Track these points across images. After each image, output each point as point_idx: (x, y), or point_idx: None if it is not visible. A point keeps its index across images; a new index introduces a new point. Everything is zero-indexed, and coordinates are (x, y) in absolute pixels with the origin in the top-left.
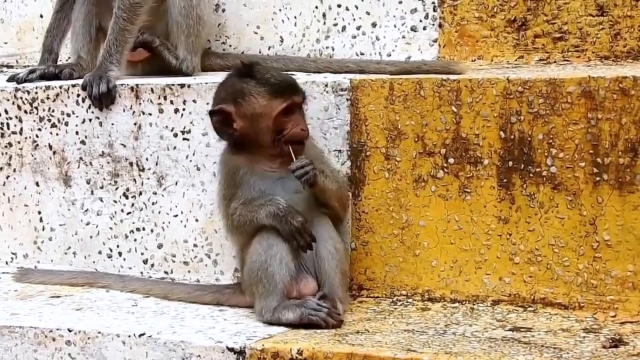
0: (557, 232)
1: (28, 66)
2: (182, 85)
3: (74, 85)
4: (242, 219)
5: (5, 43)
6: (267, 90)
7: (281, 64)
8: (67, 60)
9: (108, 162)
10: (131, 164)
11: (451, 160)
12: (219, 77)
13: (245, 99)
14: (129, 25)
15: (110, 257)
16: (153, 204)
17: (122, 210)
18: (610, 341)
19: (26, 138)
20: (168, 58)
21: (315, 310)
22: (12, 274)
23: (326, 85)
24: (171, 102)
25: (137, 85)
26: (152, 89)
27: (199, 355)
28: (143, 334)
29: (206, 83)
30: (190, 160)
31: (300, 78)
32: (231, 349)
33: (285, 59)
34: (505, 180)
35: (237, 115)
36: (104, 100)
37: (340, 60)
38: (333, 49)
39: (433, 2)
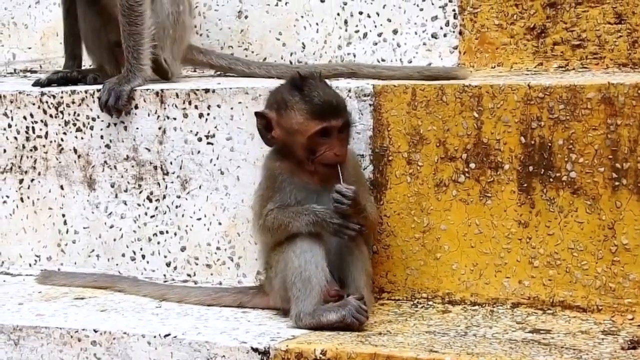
0: (576, 236)
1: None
2: (206, 90)
3: (99, 90)
4: (277, 222)
5: (29, 48)
6: (307, 108)
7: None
8: (90, 66)
9: (132, 166)
10: (155, 167)
11: (472, 165)
12: (243, 82)
13: (286, 111)
14: (135, 27)
15: (133, 259)
16: (177, 207)
17: (146, 214)
18: (629, 343)
19: (51, 142)
20: (161, 61)
21: (357, 311)
22: (35, 277)
23: (349, 91)
24: (196, 107)
25: (162, 90)
26: (177, 94)
27: (224, 356)
28: (168, 335)
29: (230, 88)
30: (214, 165)
31: None
32: (255, 350)
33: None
34: (525, 185)
35: (277, 124)
36: (112, 111)
37: (332, 65)
38: (355, 56)
39: (454, 10)
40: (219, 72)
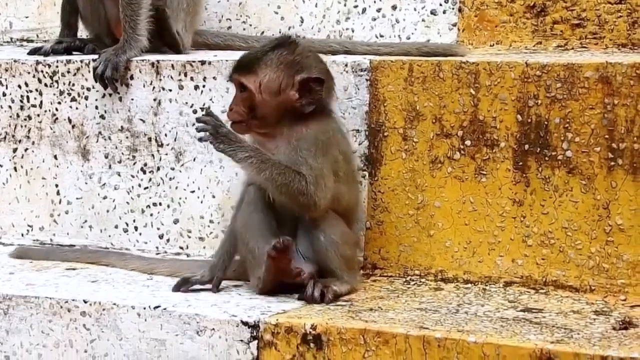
0: (571, 216)
1: (48, 40)
2: (202, 62)
3: (94, 60)
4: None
5: (27, 17)
6: None
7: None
8: (86, 36)
9: (127, 137)
10: (150, 139)
11: (468, 142)
12: (240, 55)
13: None
14: None
15: (126, 231)
16: (170, 179)
17: (140, 185)
18: (621, 323)
19: (46, 111)
20: (173, 32)
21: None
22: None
23: (346, 65)
24: (191, 78)
25: (157, 61)
26: (172, 65)
27: (214, 329)
28: (158, 307)
29: (226, 60)
30: None
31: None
32: (245, 323)
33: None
34: (520, 163)
35: None
36: (108, 82)
37: (325, 40)
38: (353, 31)
39: None
40: None
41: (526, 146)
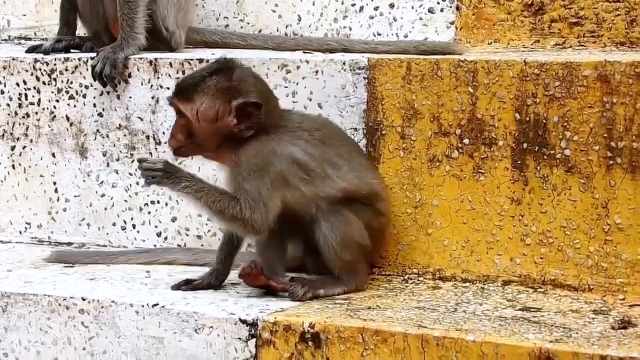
0: (569, 215)
1: (45, 39)
2: (200, 61)
3: (92, 58)
4: None
5: (24, 15)
6: None
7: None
8: (84, 34)
9: (125, 135)
10: (148, 137)
11: (466, 141)
12: (237, 53)
13: None
14: None
15: (124, 229)
16: None
17: (137, 183)
18: (619, 323)
19: (44, 109)
20: (160, 28)
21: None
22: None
23: (344, 64)
24: None
25: (155, 59)
26: (170, 63)
27: (212, 327)
28: (156, 304)
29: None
30: None
31: (318, 55)
32: (244, 321)
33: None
34: (519, 162)
35: None
36: (107, 80)
37: (322, 39)
38: (350, 29)
39: None
40: None
41: (524, 145)
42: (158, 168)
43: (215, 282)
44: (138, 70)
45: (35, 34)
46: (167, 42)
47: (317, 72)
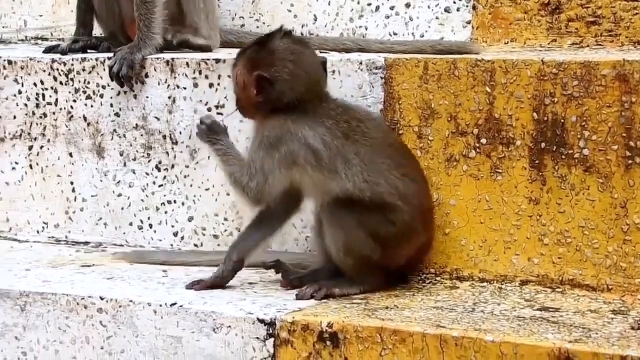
0: (588, 214)
1: (62, 39)
2: (217, 60)
3: (109, 58)
4: None
5: (41, 16)
6: None
7: None
8: (100, 34)
9: (141, 135)
10: (164, 137)
11: (483, 141)
12: None
13: None
14: None
15: (140, 228)
16: (185, 177)
17: (154, 183)
18: (639, 323)
19: (61, 109)
20: (197, 44)
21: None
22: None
23: (360, 63)
24: (206, 76)
25: (172, 59)
26: (187, 63)
27: (230, 326)
28: (174, 304)
29: None
30: None
31: (334, 55)
32: (262, 321)
33: None
34: (537, 162)
35: None
36: (124, 81)
37: (338, 38)
38: (366, 29)
39: None
40: None
41: (542, 144)
42: (206, 124)
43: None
44: (155, 70)
45: (51, 34)
46: (205, 50)
47: (334, 71)
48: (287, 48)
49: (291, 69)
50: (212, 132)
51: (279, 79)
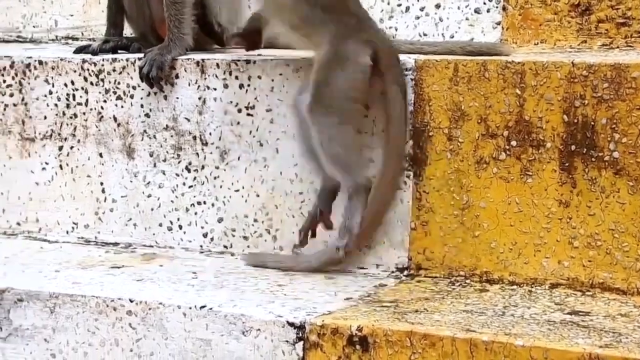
0: (618, 217)
1: (93, 39)
2: (247, 61)
3: (140, 59)
4: None
5: (72, 15)
6: None
7: None
8: (131, 34)
9: (172, 136)
10: (194, 138)
11: (513, 143)
12: (284, 53)
13: None
14: None
15: (170, 229)
16: (215, 178)
17: (184, 184)
18: None
19: (91, 109)
20: (212, 22)
21: None
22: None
23: None
24: (236, 77)
25: (202, 60)
26: (217, 64)
27: (259, 329)
28: (204, 306)
29: (271, 60)
30: (254, 136)
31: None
32: (291, 324)
33: None
34: (567, 164)
35: None
36: (154, 82)
37: None
38: (396, 29)
39: None
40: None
41: (572, 147)
42: None
43: None
44: (185, 71)
45: (82, 34)
46: (219, 37)
47: None
48: None
49: None
50: None
51: None
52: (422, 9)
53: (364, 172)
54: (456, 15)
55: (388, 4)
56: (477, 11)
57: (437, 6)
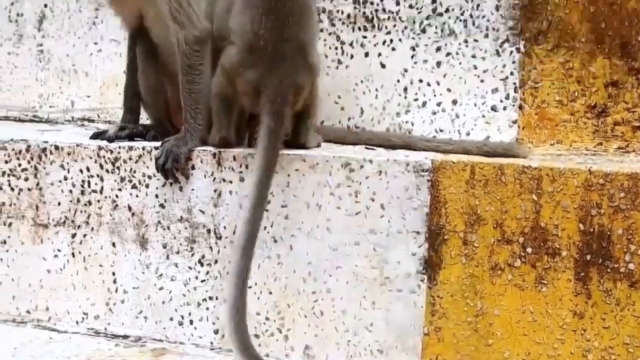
0: (633, 331)
1: (109, 122)
2: None
3: (156, 148)
4: None
5: (88, 97)
6: None
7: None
8: (147, 120)
9: (186, 228)
10: (209, 230)
11: (529, 250)
12: (300, 149)
13: None
14: (195, 86)
15: (181, 324)
16: (228, 273)
17: (197, 278)
18: None
19: (106, 197)
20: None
21: None
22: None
23: (407, 165)
24: (252, 171)
25: (219, 152)
26: (234, 157)
27: None
28: None
29: (287, 155)
30: (268, 232)
31: (381, 155)
32: None
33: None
34: (582, 274)
35: None
36: (169, 174)
37: (385, 133)
38: (412, 124)
39: (514, 83)
40: None
41: (588, 256)
42: None
43: None
44: (201, 162)
45: (98, 116)
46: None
47: (380, 172)
48: None
49: None
50: None
51: None
52: (438, 104)
53: None
54: (473, 112)
55: (405, 98)
56: (493, 109)
57: (454, 102)
